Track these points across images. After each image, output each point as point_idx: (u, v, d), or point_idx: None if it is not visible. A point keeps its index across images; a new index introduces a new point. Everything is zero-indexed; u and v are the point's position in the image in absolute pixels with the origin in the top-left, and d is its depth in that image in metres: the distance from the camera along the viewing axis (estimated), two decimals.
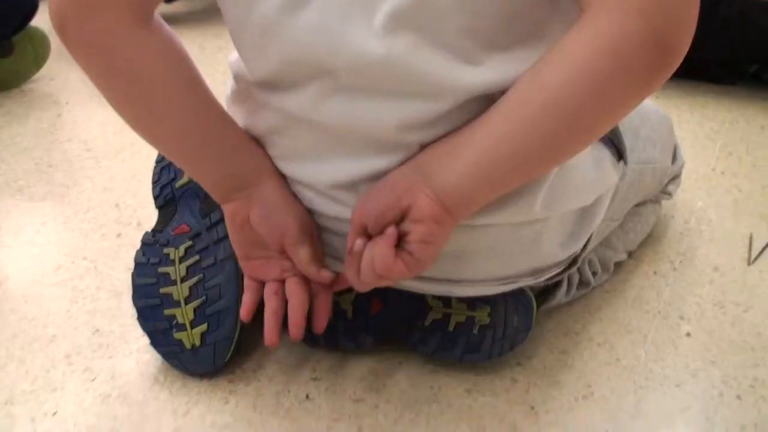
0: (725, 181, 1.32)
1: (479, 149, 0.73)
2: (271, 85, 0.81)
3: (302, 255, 0.85)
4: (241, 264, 0.90)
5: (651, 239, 1.18)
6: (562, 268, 0.93)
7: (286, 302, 0.89)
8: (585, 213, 0.90)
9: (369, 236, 0.79)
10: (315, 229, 0.87)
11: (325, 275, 0.85)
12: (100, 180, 1.39)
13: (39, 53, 1.82)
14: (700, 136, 1.44)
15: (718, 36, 1.53)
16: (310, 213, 0.87)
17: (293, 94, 0.79)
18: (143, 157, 1.42)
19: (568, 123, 0.70)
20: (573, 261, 0.93)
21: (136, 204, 1.30)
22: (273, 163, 0.86)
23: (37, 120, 1.63)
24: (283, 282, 0.89)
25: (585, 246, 0.93)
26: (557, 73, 0.68)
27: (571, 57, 0.68)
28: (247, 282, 0.90)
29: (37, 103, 1.71)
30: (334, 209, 0.84)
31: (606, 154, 0.92)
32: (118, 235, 1.22)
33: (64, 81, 1.82)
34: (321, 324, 0.90)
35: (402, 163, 0.78)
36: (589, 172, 0.87)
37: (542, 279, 0.92)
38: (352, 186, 0.81)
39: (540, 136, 0.71)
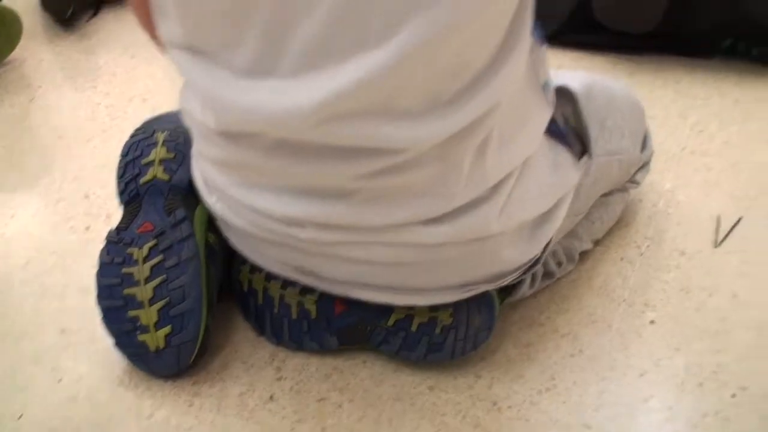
0: (695, 161, 1.31)
1: None
2: (220, 134, 0.81)
3: None
4: None
5: (619, 224, 1.17)
6: (523, 270, 0.93)
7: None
8: (544, 217, 0.90)
9: None
10: None
11: None
12: (71, 169, 1.38)
13: (11, 33, 1.79)
14: (672, 113, 1.43)
15: (691, 8, 1.51)
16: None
17: (241, 146, 0.80)
18: (114, 144, 1.41)
19: None
20: (534, 262, 0.94)
21: (105, 195, 1.30)
22: None
23: (9, 105, 1.61)
24: None
25: (546, 247, 0.93)
26: None
27: None
28: None
29: (9, 86, 1.69)
30: (291, 230, 0.84)
31: (566, 156, 0.92)
32: (87, 228, 1.22)
33: (37, 63, 1.79)
34: None
35: (360, 204, 0.79)
36: (547, 177, 0.87)
37: (503, 283, 0.92)
38: (305, 222, 0.82)
39: None
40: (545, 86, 0.88)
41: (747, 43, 1.58)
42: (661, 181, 1.27)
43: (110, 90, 1.60)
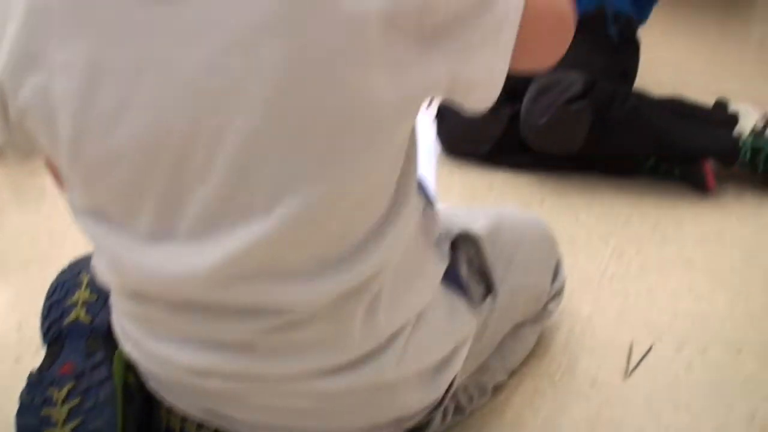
0: (613, 285, 1.36)
1: None
2: (126, 292, 0.86)
3: None
4: None
5: (535, 352, 1.21)
6: (427, 412, 0.96)
7: None
8: (442, 363, 0.93)
9: None
10: None
11: None
12: (7, 296, 1.41)
13: None
14: (593, 236, 1.49)
15: (614, 133, 1.58)
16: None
17: (147, 303, 0.84)
18: (52, 271, 1.44)
19: None
20: (438, 403, 0.97)
21: (37, 326, 1.32)
22: None
23: None
24: None
25: (447, 390, 0.96)
26: None
27: None
28: None
29: None
30: (197, 380, 0.88)
31: (462, 303, 0.96)
32: (17, 361, 1.24)
33: None
34: None
35: (260, 357, 0.83)
36: (444, 325, 0.91)
37: (409, 425, 0.95)
38: (210, 372, 0.86)
39: None
40: (438, 241, 0.92)
41: (669, 163, 1.65)
42: (580, 306, 1.32)
43: (53, 213, 1.64)
